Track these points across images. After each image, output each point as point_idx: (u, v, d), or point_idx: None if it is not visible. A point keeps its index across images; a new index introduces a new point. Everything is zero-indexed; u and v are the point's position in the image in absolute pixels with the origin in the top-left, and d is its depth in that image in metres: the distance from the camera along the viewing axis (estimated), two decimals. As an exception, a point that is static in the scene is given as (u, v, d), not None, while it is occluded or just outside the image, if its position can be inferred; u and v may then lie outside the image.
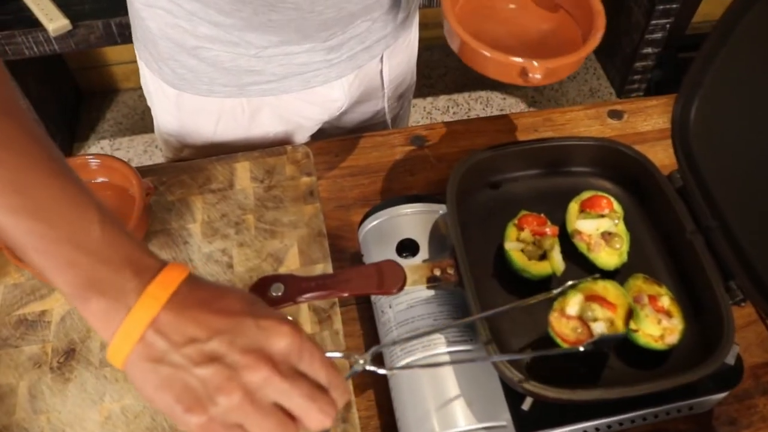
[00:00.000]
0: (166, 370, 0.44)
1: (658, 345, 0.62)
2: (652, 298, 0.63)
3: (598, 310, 0.62)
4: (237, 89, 0.85)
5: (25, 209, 0.45)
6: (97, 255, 0.45)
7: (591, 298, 0.63)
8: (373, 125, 1.04)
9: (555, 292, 0.63)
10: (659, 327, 0.62)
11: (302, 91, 0.88)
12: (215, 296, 0.48)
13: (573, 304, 0.62)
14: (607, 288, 0.64)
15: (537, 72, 0.64)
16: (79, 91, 2.29)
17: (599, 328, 0.61)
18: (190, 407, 0.44)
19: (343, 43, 0.84)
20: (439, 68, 2.38)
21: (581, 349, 0.59)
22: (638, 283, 0.66)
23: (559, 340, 0.61)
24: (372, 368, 0.55)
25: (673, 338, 0.62)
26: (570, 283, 0.64)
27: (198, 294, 0.47)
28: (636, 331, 0.63)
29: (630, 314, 0.62)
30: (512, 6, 0.77)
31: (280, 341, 0.46)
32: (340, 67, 0.87)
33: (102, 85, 2.28)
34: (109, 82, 2.28)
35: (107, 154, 0.82)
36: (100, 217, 0.47)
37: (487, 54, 0.66)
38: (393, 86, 1.00)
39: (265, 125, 0.92)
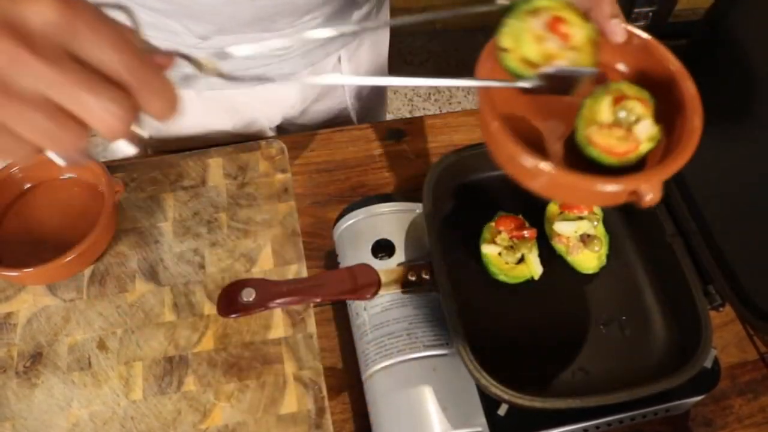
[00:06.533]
0: None
1: (612, 159, 0.47)
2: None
3: (637, 107, 0.46)
4: (186, 83, 0.82)
5: None
6: None
7: (618, 99, 0.47)
8: (338, 124, 1.00)
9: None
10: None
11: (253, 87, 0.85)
12: None
13: (605, 109, 0.47)
14: (622, 88, 0.48)
15: (651, 191, 0.44)
16: (53, 75, 2.23)
17: (645, 129, 0.46)
18: None
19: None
20: (421, 54, 2.36)
21: (527, 86, 0.46)
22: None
23: (608, 157, 0.46)
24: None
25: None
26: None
27: None
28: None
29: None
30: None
31: (36, 12, 0.33)
32: (291, 63, 0.84)
33: (77, 69, 2.23)
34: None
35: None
36: None
37: (589, 183, 0.44)
38: (355, 85, 0.98)
39: (221, 120, 0.90)
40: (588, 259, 0.68)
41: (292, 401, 0.66)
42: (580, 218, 0.68)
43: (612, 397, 0.57)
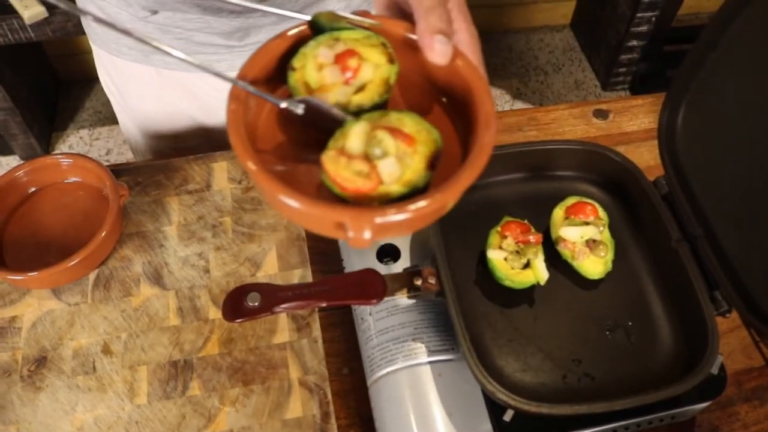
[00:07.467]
0: None
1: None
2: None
3: (387, 140, 0.41)
4: (141, 54, 0.83)
5: None
6: None
7: (381, 128, 0.42)
8: None
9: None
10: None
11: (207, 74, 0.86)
12: None
13: (355, 136, 0.41)
14: (402, 120, 0.42)
15: (355, 230, 0.39)
16: (57, 79, 2.24)
17: (388, 168, 0.40)
18: None
19: (246, 32, 0.80)
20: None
21: (282, 105, 0.43)
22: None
23: (337, 189, 0.40)
24: None
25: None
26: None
27: None
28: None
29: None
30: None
31: None
32: (245, 57, 0.84)
33: (81, 73, 2.23)
34: (87, 70, 2.23)
35: (81, 153, 0.79)
36: None
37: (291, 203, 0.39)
38: None
39: (180, 102, 0.90)
40: (594, 265, 0.67)
41: (297, 406, 0.66)
42: (586, 223, 0.68)
43: (618, 403, 0.57)
